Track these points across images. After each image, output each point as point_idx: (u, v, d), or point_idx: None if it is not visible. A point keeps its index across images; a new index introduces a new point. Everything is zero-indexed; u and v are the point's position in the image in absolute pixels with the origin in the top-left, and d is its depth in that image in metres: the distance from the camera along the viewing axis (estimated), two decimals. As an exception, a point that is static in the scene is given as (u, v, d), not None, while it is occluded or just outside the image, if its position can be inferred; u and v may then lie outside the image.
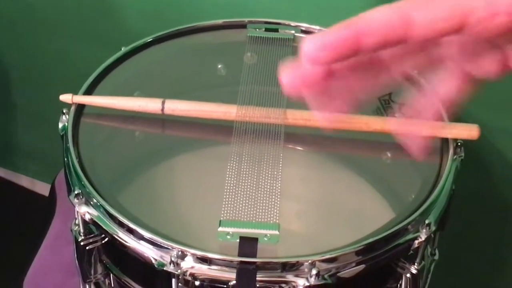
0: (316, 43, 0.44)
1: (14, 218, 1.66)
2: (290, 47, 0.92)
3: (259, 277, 0.66)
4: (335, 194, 0.79)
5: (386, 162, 0.80)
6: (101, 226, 0.71)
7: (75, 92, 0.82)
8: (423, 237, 0.70)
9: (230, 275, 0.66)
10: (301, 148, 0.82)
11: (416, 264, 0.72)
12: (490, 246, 1.18)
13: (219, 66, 0.90)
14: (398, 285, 0.74)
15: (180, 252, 0.66)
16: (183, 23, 0.94)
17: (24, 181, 1.75)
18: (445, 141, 0.79)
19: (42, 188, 1.71)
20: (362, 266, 0.68)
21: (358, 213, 0.77)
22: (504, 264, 1.22)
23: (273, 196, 0.71)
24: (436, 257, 0.81)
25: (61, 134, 0.79)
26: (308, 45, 0.44)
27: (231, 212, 0.69)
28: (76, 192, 0.72)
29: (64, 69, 1.38)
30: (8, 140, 1.66)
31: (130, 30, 1.24)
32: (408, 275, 0.72)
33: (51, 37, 1.37)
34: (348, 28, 0.44)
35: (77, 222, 0.75)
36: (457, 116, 0.85)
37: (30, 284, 0.91)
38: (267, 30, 0.93)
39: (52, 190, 1.03)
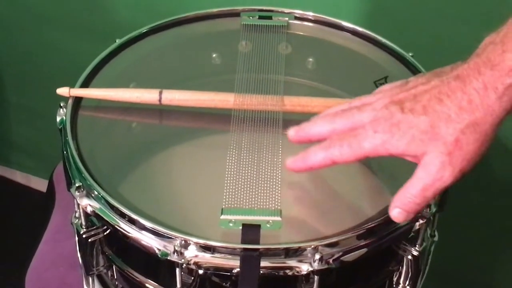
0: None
1: (10, 214, 1.66)
2: (284, 34, 0.92)
3: (263, 263, 0.66)
4: (333, 179, 0.79)
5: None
6: (103, 218, 0.71)
7: (70, 86, 0.82)
8: (424, 218, 0.71)
9: (234, 263, 0.66)
10: None
11: (417, 246, 0.73)
12: (488, 227, 1.19)
13: (214, 55, 0.90)
14: (400, 267, 0.75)
15: (183, 241, 0.67)
16: (176, 14, 0.94)
17: (19, 177, 1.75)
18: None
19: (38, 184, 1.70)
20: (364, 250, 0.69)
21: (357, 198, 0.77)
22: (501, 243, 1.23)
23: (274, 183, 0.72)
24: (436, 238, 0.81)
25: (59, 127, 0.79)
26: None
27: (233, 200, 0.70)
28: (77, 185, 0.72)
29: (57, 64, 1.38)
30: (1, 136, 1.66)
31: (123, 23, 1.24)
32: (410, 257, 0.73)
33: (44, 31, 1.37)
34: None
35: (77, 215, 0.75)
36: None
37: (32, 278, 0.91)
38: (260, 17, 0.94)
39: (51, 185, 1.03)
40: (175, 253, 0.67)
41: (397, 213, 0.66)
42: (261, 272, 0.66)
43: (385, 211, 0.71)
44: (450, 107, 0.62)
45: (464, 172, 0.63)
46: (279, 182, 0.72)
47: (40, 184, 1.68)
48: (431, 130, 0.63)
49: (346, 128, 0.67)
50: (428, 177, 0.63)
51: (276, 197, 0.70)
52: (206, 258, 0.67)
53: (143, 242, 0.69)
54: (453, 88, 0.63)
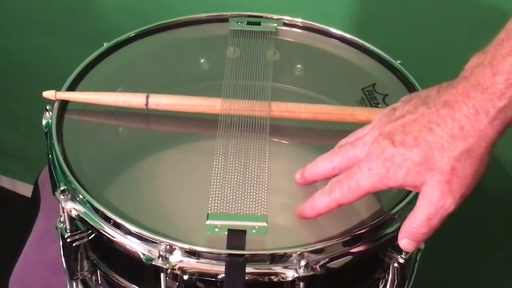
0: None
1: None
2: (272, 40, 0.92)
3: (248, 269, 0.66)
4: (320, 186, 0.79)
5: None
6: (88, 222, 0.71)
7: (56, 89, 0.82)
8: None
9: (219, 268, 0.66)
10: (286, 142, 0.82)
11: (403, 253, 0.72)
12: (474, 235, 1.19)
13: (202, 60, 0.90)
14: (386, 274, 0.75)
15: (168, 246, 0.66)
16: (164, 19, 0.94)
17: (5, 182, 1.74)
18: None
19: (23, 189, 1.70)
20: (350, 257, 0.69)
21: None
22: (488, 251, 1.23)
23: (260, 189, 0.71)
24: (422, 247, 0.81)
25: (45, 131, 0.79)
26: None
27: (219, 205, 0.69)
28: (61, 188, 0.72)
29: (45, 67, 1.38)
30: (-13, 140, 1.65)
31: (111, 27, 1.23)
32: (396, 264, 0.73)
33: (32, 35, 1.37)
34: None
35: (62, 219, 0.74)
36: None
37: (15, 283, 0.91)
38: (249, 23, 0.93)
39: (36, 189, 1.03)
40: (160, 258, 0.66)
41: (405, 243, 0.67)
42: (246, 278, 0.66)
43: (371, 218, 0.71)
44: (441, 136, 0.62)
45: (465, 197, 0.64)
46: (266, 188, 0.72)
47: (26, 190, 1.67)
48: (426, 161, 0.62)
49: (343, 164, 0.69)
50: (430, 207, 0.64)
51: (263, 203, 0.70)
52: (191, 263, 0.66)
53: (127, 247, 0.69)
54: (442, 116, 0.62)
